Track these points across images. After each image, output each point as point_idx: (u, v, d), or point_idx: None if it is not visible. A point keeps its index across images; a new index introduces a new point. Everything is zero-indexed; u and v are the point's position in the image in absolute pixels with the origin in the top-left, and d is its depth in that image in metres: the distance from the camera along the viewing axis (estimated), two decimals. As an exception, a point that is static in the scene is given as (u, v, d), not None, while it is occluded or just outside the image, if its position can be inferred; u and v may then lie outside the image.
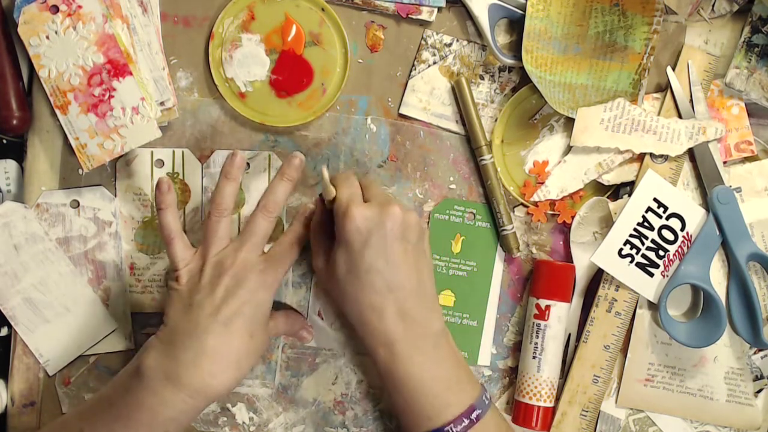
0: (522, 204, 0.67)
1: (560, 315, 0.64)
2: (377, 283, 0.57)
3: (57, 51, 0.61)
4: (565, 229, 0.67)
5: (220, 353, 0.56)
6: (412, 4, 0.65)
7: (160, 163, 0.66)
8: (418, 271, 0.58)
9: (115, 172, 0.66)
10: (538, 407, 0.64)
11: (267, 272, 0.59)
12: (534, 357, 0.64)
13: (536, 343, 0.64)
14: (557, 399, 0.65)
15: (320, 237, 0.62)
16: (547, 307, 0.64)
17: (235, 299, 0.57)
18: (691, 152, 0.65)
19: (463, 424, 0.57)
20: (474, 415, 0.57)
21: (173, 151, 0.66)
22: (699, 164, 0.65)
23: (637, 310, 0.65)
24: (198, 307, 0.57)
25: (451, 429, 0.56)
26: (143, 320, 0.66)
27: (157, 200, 0.60)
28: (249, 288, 0.57)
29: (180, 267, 0.59)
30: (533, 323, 0.64)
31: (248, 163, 0.66)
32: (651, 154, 0.64)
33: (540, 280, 0.65)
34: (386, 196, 0.61)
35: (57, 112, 0.62)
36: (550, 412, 0.64)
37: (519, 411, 0.64)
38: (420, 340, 0.58)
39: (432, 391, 0.57)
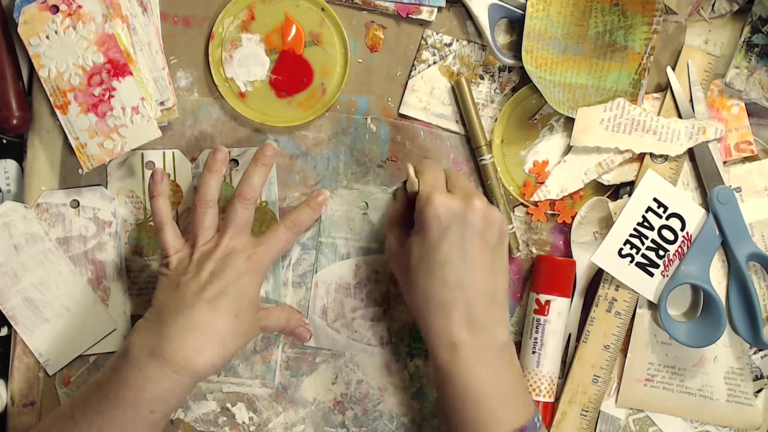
0: (522, 204, 0.67)
1: (560, 310, 0.64)
2: (450, 277, 0.55)
3: (57, 51, 0.61)
4: (565, 229, 0.67)
5: (205, 329, 0.56)
6: (412, 4, 0.65)
7: (151, 164, 0.66)
8: (493, 275, 0.56)
9: (106, 175, 0.66)
10: (538, 402, 0.64)
11: (253, 257, 0.60)
12: (534, 352, 0.64)
13: (536, 339, 0.64)
14: (557, 399, 0.65)
15: (397, 223, 0.62)
16: (547, 302, 0.64)
17: (219, 280, 0.58)
18: (691, 152, 0.65)
19: None
20: None
21: (164, 153, 0.66)
22: (699, 164, 0.65)
23: (637, 310, 0.65)
24: (184, 286, 0.58)
25: None
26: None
27: (150, 189, 0.61)
28: (234, 271, 0.59)
29: (170, 253, 0.60)
30: (533, 318, 0.64)
31: (237, 160, 0.66)
32: (651, 154, 0.64)
33: (540, 275, 0.65)
34: (471, 189, 0.59)
35: (57, 111, 0.62)
36: (550, 408, 0.64)
37: (519, 411, 0.64)
38: (484, 350, 0.55)
39: (487, 405, 0.55)
